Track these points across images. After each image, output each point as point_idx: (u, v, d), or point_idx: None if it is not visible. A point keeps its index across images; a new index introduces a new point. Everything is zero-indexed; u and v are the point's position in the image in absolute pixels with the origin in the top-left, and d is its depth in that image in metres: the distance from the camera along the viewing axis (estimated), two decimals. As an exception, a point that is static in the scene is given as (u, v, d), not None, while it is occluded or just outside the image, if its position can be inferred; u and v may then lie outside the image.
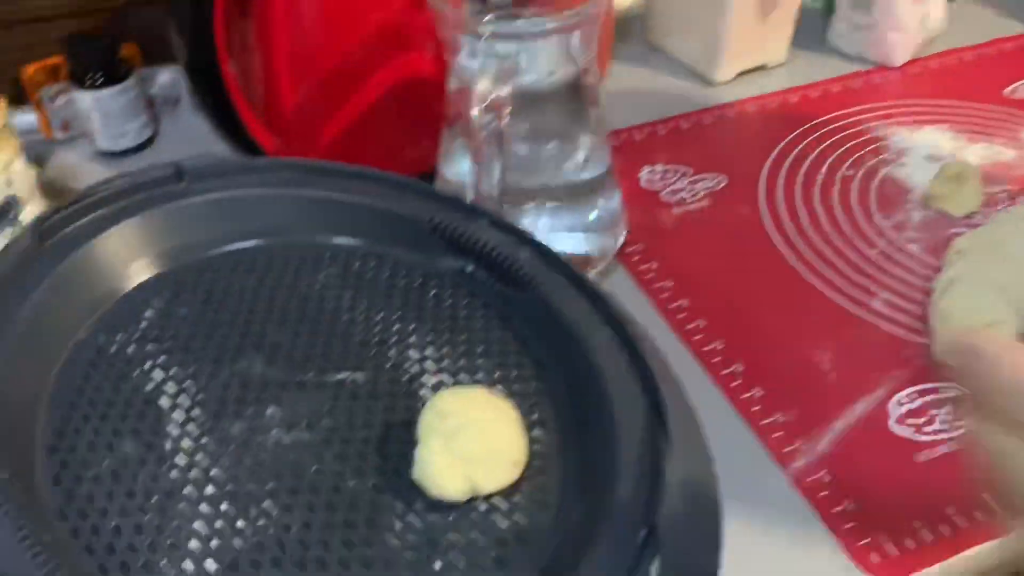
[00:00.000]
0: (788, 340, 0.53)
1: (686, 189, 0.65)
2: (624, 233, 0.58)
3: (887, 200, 0.63)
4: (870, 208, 0.62)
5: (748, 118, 0.72)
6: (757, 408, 0.49)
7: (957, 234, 0.58)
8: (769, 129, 0.70)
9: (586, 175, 0.55)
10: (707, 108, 0.73)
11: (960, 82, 0.75)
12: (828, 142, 0.69)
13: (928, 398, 0.49)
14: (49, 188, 0.66)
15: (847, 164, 0.67)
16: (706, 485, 0.33)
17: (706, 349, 0.52)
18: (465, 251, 0.45)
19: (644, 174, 0.66)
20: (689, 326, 0.54)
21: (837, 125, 0.70)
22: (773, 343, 0.53)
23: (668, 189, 0.65)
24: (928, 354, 0.51)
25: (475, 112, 0.46)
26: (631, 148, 0.68)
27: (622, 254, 0.59)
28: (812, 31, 0.80)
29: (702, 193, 0.64)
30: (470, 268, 0.45)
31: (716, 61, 0.74)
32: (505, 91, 0.47)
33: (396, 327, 0.43)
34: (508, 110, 0.47)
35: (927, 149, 0.67)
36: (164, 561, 0.33)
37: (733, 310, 0.55)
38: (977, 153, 0.67)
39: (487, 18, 0.49)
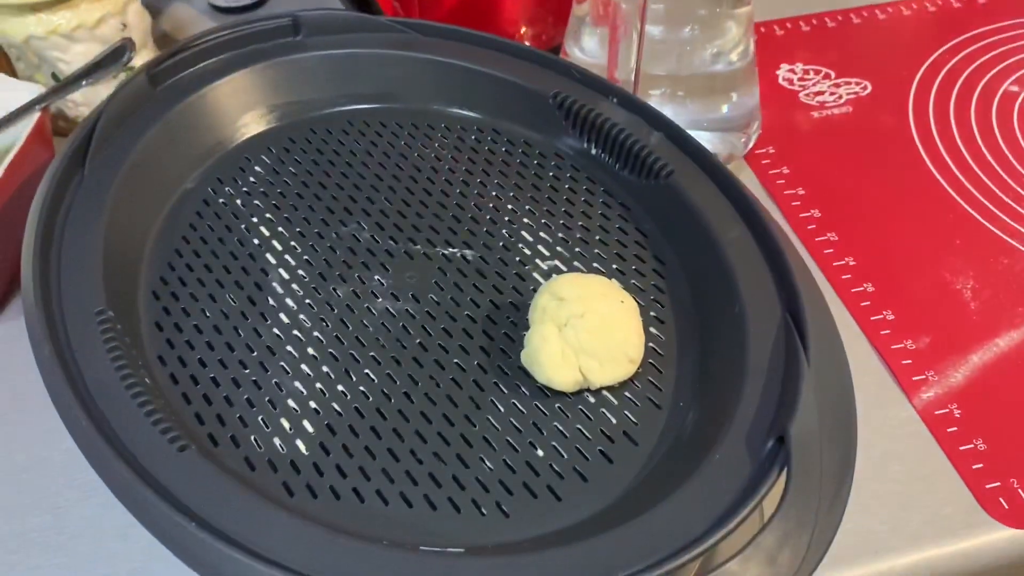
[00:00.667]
0: (927, 263, 0.48)
1: (827, 92, 0.59)
2: (756, 134, 0.54)
3: (1054, 122, 0.57)
4: (1034, 129, 0.56)
5: (902, 21, 0.65)
6: (886, 332, 0.45)
7: None
8: (925, 35, 0.64)
9: (724, 66, 0.50)
10: (857, 8, 0.66)
11: None
12: (990, 54, 0.62)
13: (1082, 340, 0.44)
14: (163, 41, 0.65)
15: (1011, 80, 0.60)
16: (843, 403, 0.30)
17: (836, 265, 0.48)
18: (590, 131, 0.42)
19: (782, 72, 0.61)
20: (819, 239, 0.50)
21: (1004, 36, 0.63)
22: (910, 264, 0.48)
23: (808, 91, 0.60)
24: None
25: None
26: (770, 43, 0.63)
27: (751, 155, 0.55)
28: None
29: (845, 98, 0.59)
30: (594, 150, 0.42)
31: (873, -44, 0.67)
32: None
33: (510, 206, 0.41)
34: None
35: (1106, 69, 0.60)
36: (260, 417, 0.32)
37: (869, 225, 0.50)
38: None
39: None
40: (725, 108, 0.51)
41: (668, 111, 0.51)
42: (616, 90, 0.43)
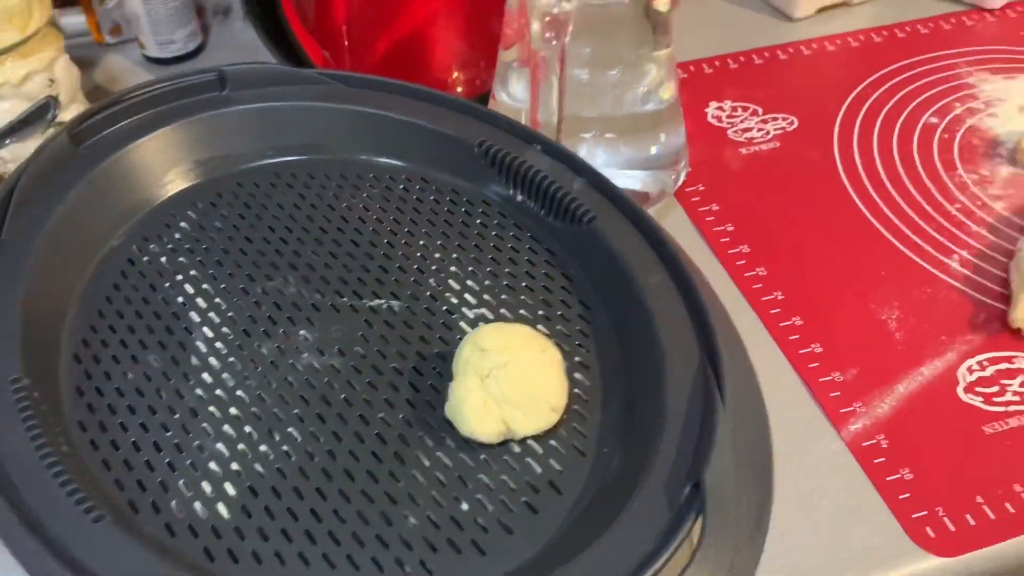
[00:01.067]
0: (854, 294, 0.49)
1: (755, 128, 0.61)
2: (685, 171, 0.55)
3: (972, 153, 0.59)
4: (953, 160, 0.58)
5: (827, 57, 0.67)
6: (815, 365, 0.46)
7: (1047, 193, 0.54)
8: (848, 70, 0.66)
9: (650, 107, 0.51)
10: (783, 44, 0.68)
11: (1064, 29, 0.69)
12: (911, 87, 0.64)
13: (1000, 367, 0.45)
14: (95, 93, 0.64)
15: (931, 112, 0.62)
16: (759, 445, 0.31)
17: (765, 299, 0.49)
18: (515, 178, 0.43)
19: (711, 110, 0.62)
20: (748, 274, 0.51)
21: (923, 69, 0.65)
22: (837, 297, 0.49)
23: (736, 127, 0.61)
24: (1004, 320, 0.47)
25: (535, 28, 0.43)
26: (699, 81, 0.65)
27: (681, 192, 0.56)
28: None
29: (772, 134, 0.60)
30: (520, 197, 0.43)
31: (796, -6, 0.69)
32: (569, 6, 0.43)
33: (437, 255, 0.41)
34: (570, 28, 0.43)
35: (1020, 100, 0.62)
36: (182, 482, 0.32)
37: (796, 259, 0.52)
38: (1076, 107, 0.61)
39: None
40: (654, 148, 0.52)
41: (599, 153, 0.52)
42: (540, 138, 0.43)
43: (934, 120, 0.61)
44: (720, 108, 0.62)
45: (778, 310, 0.49)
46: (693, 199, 0.56)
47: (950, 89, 0.64)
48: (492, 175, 0.43)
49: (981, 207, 0.54)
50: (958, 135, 0.60)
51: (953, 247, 0.52)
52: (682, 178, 0.55)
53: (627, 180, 0.53)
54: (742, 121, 0.61)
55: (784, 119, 0.62)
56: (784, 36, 0.69)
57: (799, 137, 0.60)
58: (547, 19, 0.43)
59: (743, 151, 0.59)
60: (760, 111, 0.62)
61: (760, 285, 0.50)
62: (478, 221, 0.42)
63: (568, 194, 0.41)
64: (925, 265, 0.51)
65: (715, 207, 0.55)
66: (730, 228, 0.54)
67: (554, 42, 0.43)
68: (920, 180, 0.57)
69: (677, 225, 0.54)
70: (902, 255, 0.52)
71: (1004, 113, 0.61)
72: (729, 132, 0.60)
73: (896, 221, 0.54)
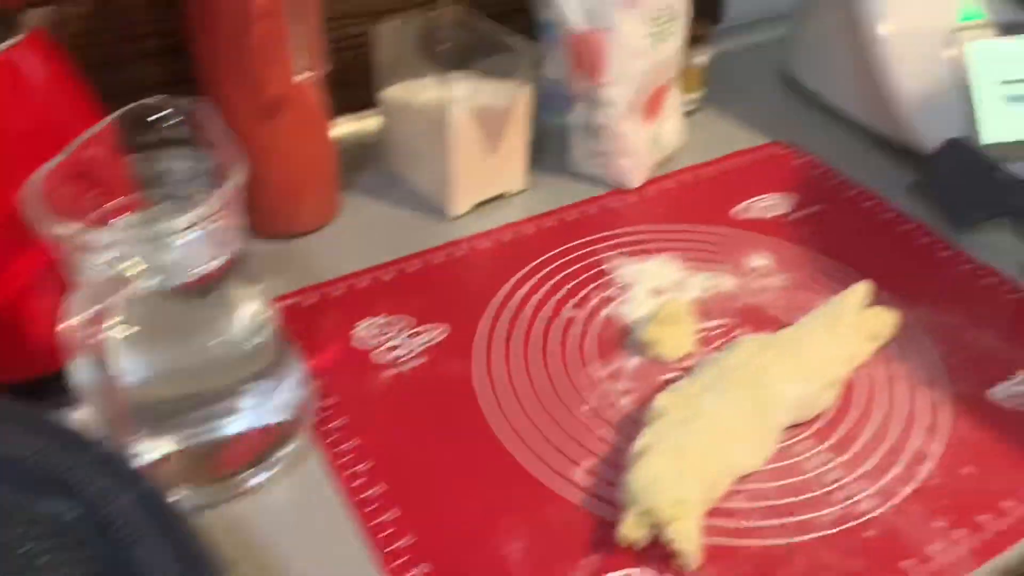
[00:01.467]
0: (483, 529, 0.49)
1: (403, 345, 0.61)
2: (314, 400, 0.54)
3: (606, 344, 0.61)
4: (587, 355, 0.60)
5: (479, 255, 0.69)
6: (437, 621, 0.44)
7: (670, 381, 0.56)
8: (499, 266, 0.67)
9: (251, 354, 0.50)
10: (438, 247, 0.69)
11: (692, 203, 0.74)
12: (556, 278, 0.66)
13: (616, 590, 0.46)
14: None
15: (572, 303, 0.64)
16: None
17: (389, 550, 0.48)
18: (65, 493, 0.40)
19: (362, 329, 0.62)
20: (378, 520, 0.49)
21: (568, 258, 0.68)
22: (468, 534, 0.48)
23: (384, 347, 0.61)
24: (618, 536, 0.47)
25: (64, 327, 0.41)
26: (352, 299, 0.64)
27: (324, 428, 0.54)
28: (558, 152, 0.78)
29: (419, 349, 0.60)
30: (70, 515, 0.40)
31: (448, 194, 0.71)
32: (113, 301, 0.42)
33: (-28, 602, 0.37)
34: (113, 321, 0.42)
35: (652, 282, 0.65)
36: None
37: (430, 495, 0.51)
38: (699, 284, 0.65)
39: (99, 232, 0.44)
40: (269, 392, 0.51)
41: (222, 406, 0.50)
42: (97, 448, 0.41)
43: (575, 312, 0.63)
44: (372, 325, 0.62)
45: (407, 558, 0.47)
46: (333, 436, 0.54)
47: (590, 278, 0.66)
48: (44, 490, 0.40)
49: (609, 406, 0.56)
50: (594, 326, 0.62)
51: (577, 459, 0.53)
52: (311, 406, 0.54)
53: (256, 419, 0.51)
54: (391, 338, 0.61)
55: (436, 329, 0.62)
56: (442, 236, 0.70)
57: (447, 349, 0.60)
58: (83, 319, 0.41)
59: (389, 373, 0.59)
60: (414, 322, 0.62)
61: (392, 530, 0.49)
62: (27, 548, 0.39)
63: (111, 513, 0.38)
64: (550, 482, 0.51)
65: (355, 443, 0.54)
66: (367, 466, 0.52)
67: (90, 339, 0.41)
68: (553, 383, 0.58)
69: (311, 472, 0.52)
70: (528, 475, 0.52)
71: (636, 298, 0.64)
72: (373, 354, 0.60)
73: (526, 436, 0.54)
